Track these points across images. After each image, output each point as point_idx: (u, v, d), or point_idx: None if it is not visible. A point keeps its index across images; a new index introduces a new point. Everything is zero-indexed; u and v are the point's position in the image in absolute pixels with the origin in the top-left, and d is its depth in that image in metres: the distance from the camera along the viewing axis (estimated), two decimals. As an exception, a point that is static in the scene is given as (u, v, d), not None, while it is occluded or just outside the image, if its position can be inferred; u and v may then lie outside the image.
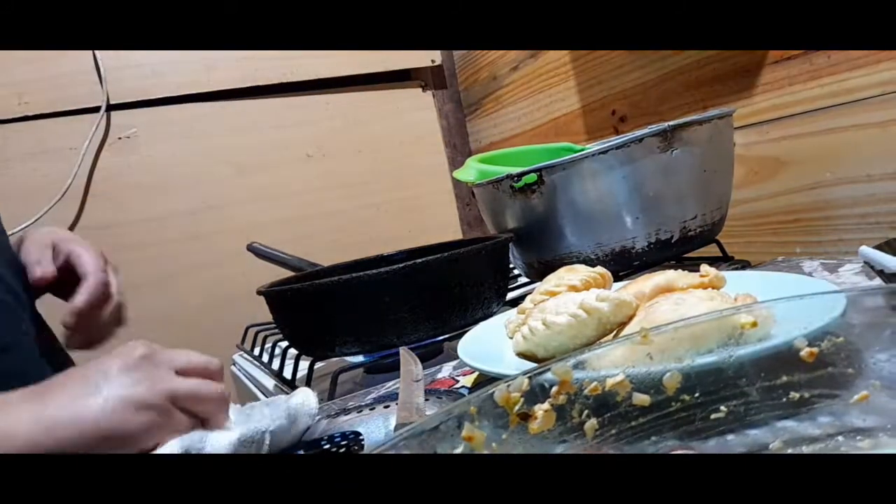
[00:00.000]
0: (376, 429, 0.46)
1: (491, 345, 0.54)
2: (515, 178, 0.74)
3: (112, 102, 1.19)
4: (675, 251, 0.75)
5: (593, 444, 0.30)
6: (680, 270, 0.48)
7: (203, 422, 0.43)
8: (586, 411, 0.30)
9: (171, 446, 0.40)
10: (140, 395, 0.39)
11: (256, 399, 0.75)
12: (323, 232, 1.34)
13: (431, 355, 0.70)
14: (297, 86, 1.35)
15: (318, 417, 0.49)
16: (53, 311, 0.64)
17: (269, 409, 0.45)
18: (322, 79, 1.36)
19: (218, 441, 0.41)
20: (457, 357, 0.55)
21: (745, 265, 0.77)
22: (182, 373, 0.43)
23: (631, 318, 0.43)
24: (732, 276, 0.50)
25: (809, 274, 0.66)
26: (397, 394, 0.45)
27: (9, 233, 0.66)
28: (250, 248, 0.92)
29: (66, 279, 0.63)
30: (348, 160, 1.39)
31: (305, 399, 0.47)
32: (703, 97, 0.92)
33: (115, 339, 0.64)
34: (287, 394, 0.65)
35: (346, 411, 0.52)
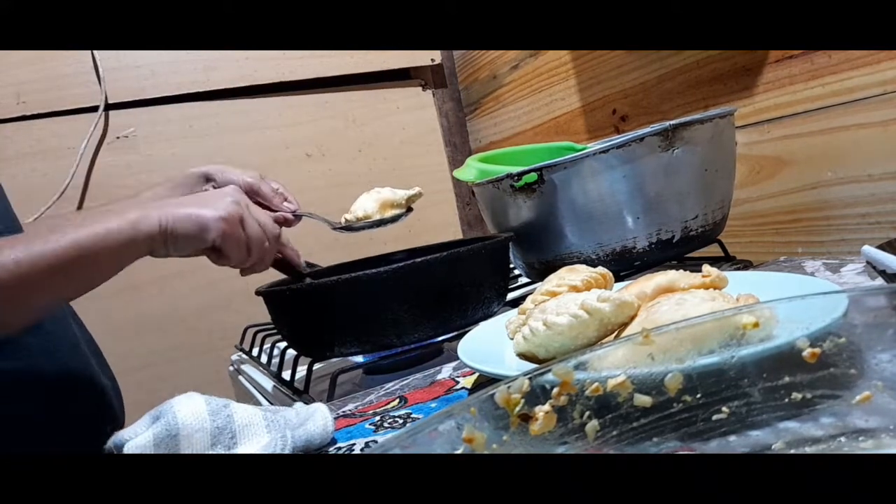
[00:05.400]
0: None
1: (491, 345, 0.54)
2: (516, 178, 0.73)
3: (110, 102, 1.19)
4: (677, 251, 0.74)
5: (594, 445, 0.30)
6: (681, 270, 0.48)
7: (248, 251, 0.64)
8: (587, 412, 0.30)
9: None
10: (228, 213, 0.61)
11: (253, 399, 0.75)
12: (323, 232, 1.33)
13: (431, 356, 0.70)
14: (296, 85, 1.34)
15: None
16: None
17: (291, 431, 0.45)
18: (321, 78, 1.36)
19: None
20: (457, 357, 0.55)
21: (746, 265, 0.77)
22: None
23: (632, 318, 0.43)
24: (734, 276, 0.50)
25: (812, 274, 0.65)
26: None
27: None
28: (250, 248, 0.92)
29: None
30: (348, 160, 1.39)
31: (325, 425, 0.47)
32: (704, 96, 0.92)
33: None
34: (290, 398, 0.65)
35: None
